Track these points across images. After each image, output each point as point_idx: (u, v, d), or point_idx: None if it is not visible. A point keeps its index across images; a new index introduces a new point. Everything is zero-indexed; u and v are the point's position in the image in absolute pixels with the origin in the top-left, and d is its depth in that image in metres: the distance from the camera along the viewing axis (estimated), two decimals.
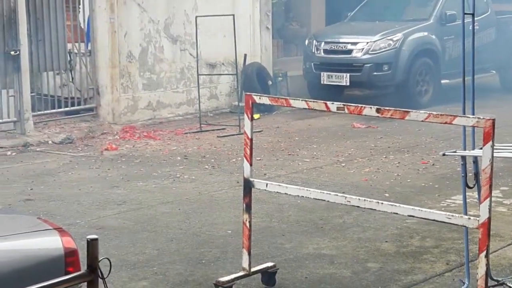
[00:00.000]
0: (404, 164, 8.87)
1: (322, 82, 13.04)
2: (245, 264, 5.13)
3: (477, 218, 4.23)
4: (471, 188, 5.01)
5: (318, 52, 13.21)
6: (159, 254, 5.93)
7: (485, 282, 4.19)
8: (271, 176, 8.29)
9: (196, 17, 11.64)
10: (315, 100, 5.01)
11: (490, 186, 4.16)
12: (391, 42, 12.82)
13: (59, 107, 11.25)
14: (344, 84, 12.90)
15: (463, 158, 5.08)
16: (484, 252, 4.15)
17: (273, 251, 5.97)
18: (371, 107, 4.62)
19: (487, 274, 4.23)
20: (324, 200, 5.08)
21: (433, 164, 8.81)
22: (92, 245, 2.80)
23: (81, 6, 11.45)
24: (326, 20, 16.25)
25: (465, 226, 4.70)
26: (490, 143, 4.17)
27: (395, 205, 4.71)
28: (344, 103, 4.77)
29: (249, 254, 5.11)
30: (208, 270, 5.58)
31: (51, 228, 3.69)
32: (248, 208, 5.09)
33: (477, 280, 4.23)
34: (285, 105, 5.17)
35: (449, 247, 6.02)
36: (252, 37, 13.28)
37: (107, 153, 9.69)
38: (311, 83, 13.48)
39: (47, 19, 10.72)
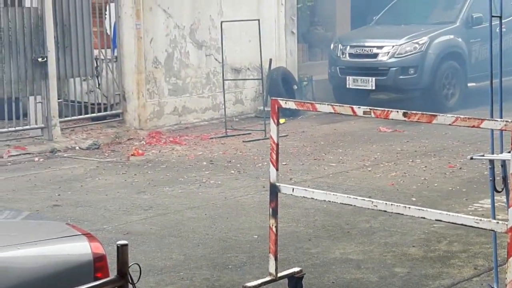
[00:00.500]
0: (431, 168, 8.82)
1: (347, 86, 13.00)
2: (272, 269, 5.12)
3: (506, 223, 4.19)
4: (499, 192, 4.96)
5: (344, 56, 13.19)
6: (185, 259, 5.95)
7: None
8: (297, 180, 8.28)
9: (221, 22, 11.67)
10: (341, 105, 5.01)
11: None
12: (416, 45, 12.76)
13: (86, 113, 11.33)
14: (370, 88, 12.87)
15: (491, 161, 5.03)
16: None
17: (300, 256, 5.96)
18: (397, 111, 4.60)
19: None
20: (351, 205, 5.06)
21: (460, 168, 8.75)
22: (122, 250, 2.82)
23: (107, 12, 11.53)
24: (351, 24, 16.21)
25: (493, 231, 4.66)
26: None
27: (422, 210, 4.69)
28: (371, 107, 4.75)
29: (276, 259, 5.11)
30: (234, 275, 5.58)
31: (80, 233, 3.71)
32: (274, 213, 5.09)
33: (505, 285, 4.19)
34: (311, 109, 5.16)
35: (477, 251, 5.97)
36: (277, 42, 13.29)
37: (133, 158, 9.74)
38: (336, 87, 13.45)
39: (74, 26, 10.81)
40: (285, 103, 5.12)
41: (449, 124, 4.44)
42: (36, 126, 10.61)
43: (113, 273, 2.96)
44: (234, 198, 7.73)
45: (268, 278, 5.15)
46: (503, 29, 13.30)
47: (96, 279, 3.36)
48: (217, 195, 7.84)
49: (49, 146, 10.26)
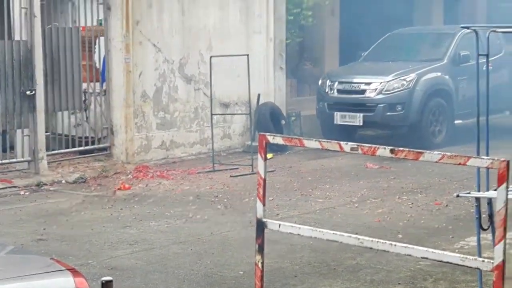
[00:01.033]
0: (418, 205, 8.82)
1: (335, 122, 13.05)
2: None
3: (491, 261, 4.18)
4: (485, 230, 4.97)
5: (332, 92, 13.25)
6: None
7: None
8: (284, 216, 8.26)
9: (211, 57, 11.72)
10: (328, 140, 5.01)
11: (505, 228, 4.12)
12: (404, 82, 12.84)
13: (73, 146, 11.30)
14: (358, 124, 12.91)
15: (477, 199, 5.05)
16: None
17: None
18: (385, 148, 4.61)
19: None
20: (337, 241, 5.05)
21: (446, 205, 8.75)
22: (106, 287, 2.79)
23: (96, 46, 11.57)
24: (340, 60, 16.31)
25: (479, 269, 4.66)
26: (505, 184, 4.14)
27: (408, 247, 4.67)
28: (358, 144, 4.76)
29: None
30: None
31: (64, 268, 3.68)
32: (260, 249, 5.06)
33: None
34: (299, 145, 5.16)
35: None
36: (266, 77, 13.35)
37: (120, 192, 9.70)
38: (324, 123, 13.49)
39: (63, 59, 10.83)
40: (273, 138, 5.12)
41: (436, 162, 4.45)
42: (22, 159, 10.57)
43: None
44: (221, 234, 7.69)
45: None
46: (490, 67, 13.43)
47: None
48: (203, 230, 7.81)
49: (36, 180, 10.21)
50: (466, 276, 6.18)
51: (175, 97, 12.14)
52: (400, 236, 7.44)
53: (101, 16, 11.41)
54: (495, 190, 4.30)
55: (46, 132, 10.77)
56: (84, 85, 11.25)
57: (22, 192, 9.75)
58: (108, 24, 11.36)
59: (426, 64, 13.34)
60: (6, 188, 9.85)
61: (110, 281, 2.79)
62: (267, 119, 12.82)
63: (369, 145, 4.67)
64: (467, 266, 4.49)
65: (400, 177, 10.42)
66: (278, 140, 5.11)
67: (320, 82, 13.72)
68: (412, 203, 8.88)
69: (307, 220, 8.11)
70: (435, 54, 13.72)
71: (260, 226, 5.05)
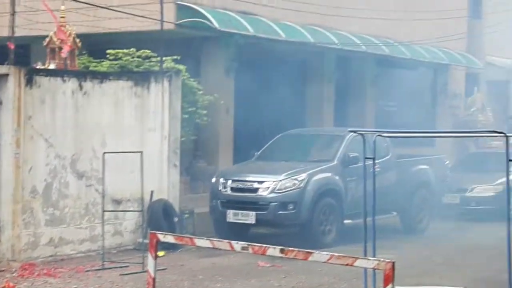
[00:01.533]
0: None
1: (228, 220, 13.09)
2: None
3: None
4: None
5: (225, 190, 13.34)
6: None
7: None
8: None
9: (104, 153, 11.63)
10: (220, 240, 5.03)
11: None
12: (296, 181, 13.07)
13: None
14: (250, 222, 12.99)
15: None
16: None
17: None
18: (275, 247, 4.67)
19: None
20: None
21: None
22: None
23: None
24: (234, 158, 16.50)
25: None
26: (391, 285, 4.24)
27: None
28: (249, 243, 4.80)
29: None
30: None
31: None
32: None
33: None
34: (190, 244, 5.16)
35: None
36: (159, 174, 13.31)
37: None
38: (217, 221, 13.51)
39: None
40: (164, 236, 5.10)
41: (324, 262, 4.53)
42: None
43: None
44: None
45: None
46: (378, 169, 13.89)
47: None
48: None
49: None
50: None
51: (66, 193, 11.91)
52: None
53: None
54: None
55: None
56: None
57: None
58: None
59: (317, 164, 13.64)
60: None
61: None
62: (159, 216, 12.73)
63: (260, 244, 4.72)
64: None
65: (290, 276, 10.46)
66: (169, 238, 5.09)
67: (213, 179, 13.80)
68: None
69: None
70: (326, 155, 14.07)
71: None
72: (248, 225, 13.24)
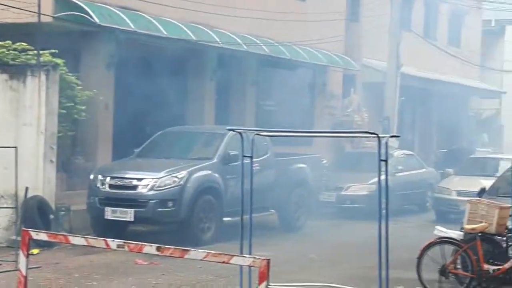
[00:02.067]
0: None
1: (106, 217, 12.93)
2: None
3: None
4: None
5: (104, 187, 13.17)
6: None
7: None
8: None
9: None
10: (95, 238, 4.97)
11: None
12: (176, 179, 13.04)
13: None
14: (129, 219, 12.88)
15: None
16: None
17: None
18: (151, 245, 4.66)
19: None
20: None
21: None
22: None
23: None
24: (113, 155, 16.29)
25: None
26: (265, 282, 4.31)
27: None
28: (125, 241, 4.77)
29: None
30: None
31: None
32: None
33: None
34: (64, 242, 5.08)
35: None
36: (35, 170, 12.98)
37: None
38: (95, 218, 13.31)
39: None
40: (37, 234, 5.00)
41: (201, 260, 4.56)
42: None
43: None
44: None
45: None
46: (257, 168, 14.07)
47: None
48: None
49: None
50: None
51: None
52: None
53: None
54: None
55: None
56: None
57: None
58: None
59: (197, 162, 13.67)
60: None
61: None
62: (34, 213, 12.43)
63: (136, 242, 4.70)
64: None
65: (168, 273, 10.44)
66: (42, 236, 4.99)
67: (92, 176, 13.59)
68: None
69: None
70: (206, 153, 14.12)
71: None
72: (127, 223, 13.12)
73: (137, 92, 16.80)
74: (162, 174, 13.06)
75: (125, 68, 16.27)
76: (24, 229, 5.03)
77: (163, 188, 12.93)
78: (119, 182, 13.11)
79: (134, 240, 5.01)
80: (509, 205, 9.57)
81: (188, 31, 16.72)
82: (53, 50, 14.24)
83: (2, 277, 9.98)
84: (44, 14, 13.87)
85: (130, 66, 16.38)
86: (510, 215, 8.90)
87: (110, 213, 12.92)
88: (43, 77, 13.02)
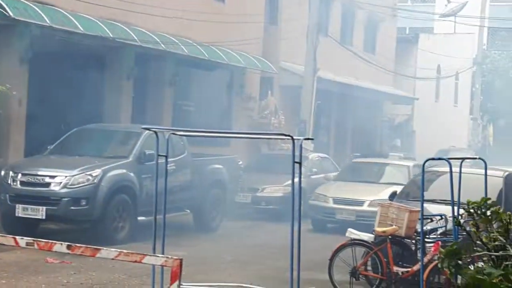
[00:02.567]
0: None
1: (17, 215, 12.68)
2: None
3: None
4: None
5: (15, 183, 12.91)
6: None
7: None
8: None
9: None
10: (4, 235, 4.88)
11: None
12: (90, 177, 12.88)
13: None
14: (40, 217, 12.65)
15: None
16: None
17: None
18: (61, 244, 4.60)
19: None
20: None
21: None
22: None
23: None
24: (26, 152, 15.95)
25: None
26: (177, 282, 4.32)
27: None
28: (34, 239, 4.70)
29: None
30: None
31: None
32: None
33: None
34: None
35: None
36: None
37: None
38: (5, 215, 13.05)
39: None
40: None
41: (113, 259, 4.53)
42: None
43: None
44: None
45: None
46: (173, 167, 14.04)
47: None
48: None
49: None
50: None
51: None
52: None
53: None
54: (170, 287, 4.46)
55: None
56: None
57: None
58: None
59: (112, 160, 13.53)
60: None
61: None
62: None
63: (46, 240, 4.63)
64: None
65: (80, 272, 10.30)
66: None
67: (2, 173, 13.29)
68: None
69: None
70: (122, 151, 13.99)
71: None
72: (38, 220, 12.89)
73: (52, 88, 16.53)
74: (75, 171, 12.88)
75: (40, 63, 15.97)
76: None
77: (76, 186, 12.75)
78: (30, 179, 12.86)
79: (46, 238, 4.94)
80: (419, 209, 9.82)
81: (105, 28, 16.53)
82: None
83: None
84: None
85: (45, 62, 16.09)
86: (419, 219, 9.13)
87: (21, 211, 12.67)
88: None
